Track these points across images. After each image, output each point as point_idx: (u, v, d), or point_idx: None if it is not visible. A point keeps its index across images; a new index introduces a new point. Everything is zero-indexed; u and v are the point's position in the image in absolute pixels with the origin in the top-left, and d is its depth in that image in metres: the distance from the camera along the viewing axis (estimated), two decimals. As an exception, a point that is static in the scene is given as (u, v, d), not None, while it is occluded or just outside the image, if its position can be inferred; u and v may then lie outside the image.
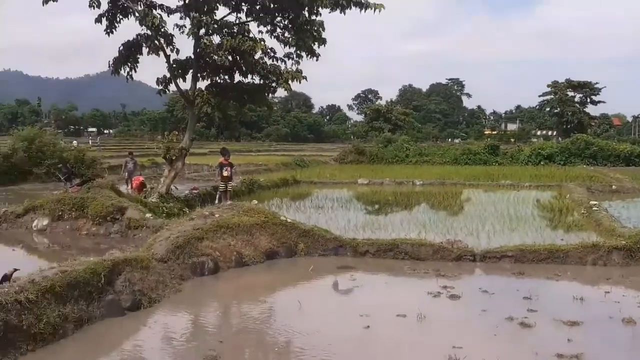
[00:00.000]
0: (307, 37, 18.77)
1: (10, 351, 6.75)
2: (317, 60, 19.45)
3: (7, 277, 7.40)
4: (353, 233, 14.47)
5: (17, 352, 6.82)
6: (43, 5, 17.95)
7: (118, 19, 18.80)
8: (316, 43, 19.11)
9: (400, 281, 11.18)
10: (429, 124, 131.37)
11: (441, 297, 9.62)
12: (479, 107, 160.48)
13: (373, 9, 18.28)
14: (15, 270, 7.54)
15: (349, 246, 12.86)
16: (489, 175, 34.24)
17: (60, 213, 15.35)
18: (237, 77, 20.08)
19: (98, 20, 18.65)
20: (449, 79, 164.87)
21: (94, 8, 18.26)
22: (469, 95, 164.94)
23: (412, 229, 14.22)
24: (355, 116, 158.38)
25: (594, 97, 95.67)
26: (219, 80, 20.32)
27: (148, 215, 15.27)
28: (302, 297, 9.41)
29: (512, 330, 8.00)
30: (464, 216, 18.68)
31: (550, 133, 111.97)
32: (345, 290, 10.41)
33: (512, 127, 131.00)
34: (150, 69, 22.04)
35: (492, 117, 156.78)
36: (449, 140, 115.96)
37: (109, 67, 19.69)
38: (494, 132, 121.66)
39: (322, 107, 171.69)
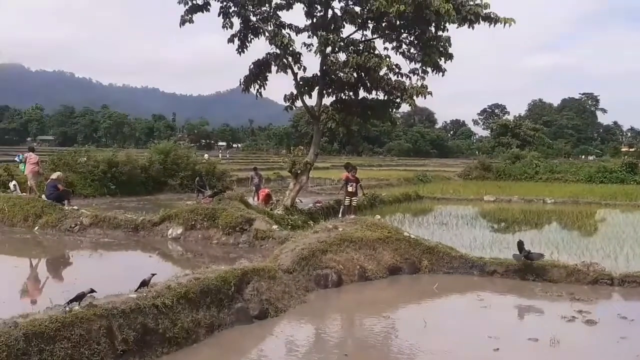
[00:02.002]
0: (433, 53, 18.57)
1: (146, 353, 7.08)
2: (443, 75, 19.22)
3: (145, 283, 7.75)
4: (479, 251, 14.08)
5: (153, 355, 7.14)
6: (180, 27, 19.09)
7: (249, 39, 19.61)
8: (442, 58, 18.88)
9: (531, 303, 10.71)
10: (560, 140, 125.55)
11: (576, 322, 9.10)
12: (615, 122, 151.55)
13: (503, 23, 17.81)
14: (153, 275, 7.94)
15: (476, 265, 12.51)
16: (626, 195, 32.11)
17: (193, 222, 16.04)
18: (362, 93, 20.27)
19: (230, 40, 19.57)
20: (583, 94, 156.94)
21: (226, 29, 19.25)
22: (604, 111, 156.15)
23: (543, 250, 13.57)
24: (480, 131, 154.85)
25: None
26: (343, 97, 20.59)
27: (274, 227, 15.65)
28: (427, 315, 9.25)
29: (654, 362, 7.43)
30: (599, 237, 17.63)
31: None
32: (472, 310, 10.13)
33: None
34: (277, 86, 22.78)
35: (629, 134, 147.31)
36: (582, 157, 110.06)
37: (240, 84, 20.55)
38: (631, 149, 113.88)
39: (445, 122, 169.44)
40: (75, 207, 17.65)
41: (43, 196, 18.08)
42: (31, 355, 5.89)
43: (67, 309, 6.57)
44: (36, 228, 16.75)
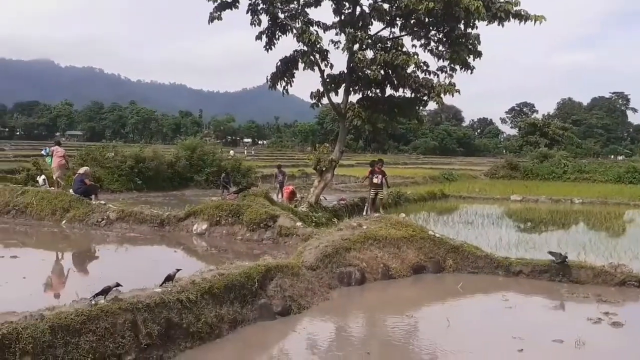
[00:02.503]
0: (462, 50, 18.39)
1: (170, 347, 7.16)
2: (471, 73, 19.01)
3: (170, 277, 7.82)
4: (505, 251, 13.94)
5: (176, 349, 7.21)
6: (209, 24, 19.20)
7: (277, 36, 19.66)
8: (471, 56, 18.69)
9: (557, 304, 10.59)
10: (589, 140, 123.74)
11: (602, 324, 8.97)
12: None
13: (533, 20, 17.57)
14: (178, 270, 8.00)
15: (502, 265, 12.38)
16: (657, 196, 31.53)
17: (218, 218, 16.12)
18: (389, 91, 20.14)
19: (258, 37, 19.65)
20: (613, 93, 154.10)
21: (255, 26, 19.34)
22: (634, 110, 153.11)
23: (570, 250, 13.41)
24: (508, 130, 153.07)
25: None
26: (370, 94, 20.52)
27: (298, 223, 15.66)
28: (451, 314, 9.19)
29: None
30: (627, 238, 17.35)
31: None
32: (497, 311, 10.03)
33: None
34: (303, 83, 22.80)
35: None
36: (612, 157, 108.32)
37: (267, 81, 20.59)
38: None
39: (473, 120, 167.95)
40: (103, 202, 17.86)
41: (70, 190, 18.30)
42: (57, 347, 5.97)
43: (93, 302, 6.65)
44: (64, 222, 16.98)
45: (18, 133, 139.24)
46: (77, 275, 11.51)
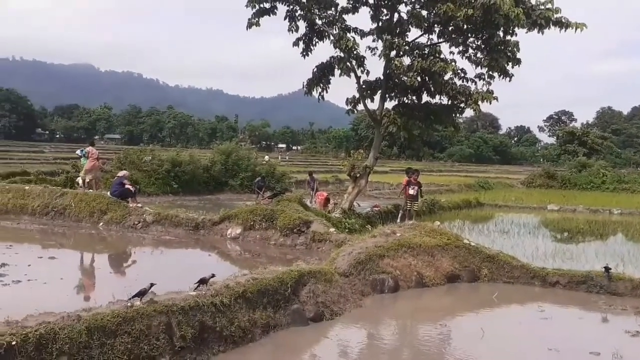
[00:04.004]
0: (501, 58, 18.20)
1: (203, 351, 7.19)
2: (510, 80, 18.81)
3: (204, 281, 7.87)
4: (541, 262, 13.72)
5: (209, 352, 7.24)
6: (247, 30, 19.38)
7: (314, 42, 19.75)
8: (510, 63, 18.48)
9: (594, 316, 10.39)
10: (629, 149, 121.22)
11: (641, 338, 8.75)
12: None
13: (574, 28, 17.32)
14: (213, 275, 8.05)
15: (538, 275, 12.18)
16: (698, 207, 30.69)
17: (252, 223, 16.19)
18: (425, 98, 20.09)
19: (296, 43, 19.74)
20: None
21: (292, 32, 19.43)
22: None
23: (608, 261, 13.12)
24: (546, 138, 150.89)
25: None
26: (406, 101, 20.46)
27: (331, 230, 15.64)
28: (485, 324, 9.07)
29: None
30: (668, 251, 16.88)
31: None
32: (532, 322, 9.86)
33: None
34: (339, 89, 22.78)
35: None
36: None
37: (303, 87, 20.66)
38: None
39: (509, 128, 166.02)
40: (140, 205, 18.09)
41: (108, 193, 18.56)
42: (92, 348, 6.05)
43: (129, 304, 6.73)
44: (101, 224, 17.25)
45: (58, 136, 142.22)
46: (113, 277, 11.68)
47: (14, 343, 5.47)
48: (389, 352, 8.11)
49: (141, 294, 6.90)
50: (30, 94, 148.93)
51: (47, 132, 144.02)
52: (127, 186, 18.31)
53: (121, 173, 19.46)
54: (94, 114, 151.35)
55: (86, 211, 17.72)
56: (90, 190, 19.31)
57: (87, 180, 19.77)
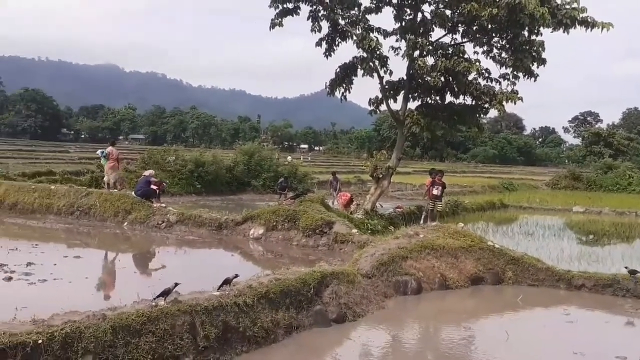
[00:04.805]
0: (526, 58, 18.02)
1: (227, 351, 7.21)
2: (535, 81, 18.63)
3: (228, 281, 7.89)
4: (567, 264, 13.56)
5: (232, 352, 7.26)
6: (270, 30, 19.42)
7: (337, 42, 19.72)
8: (535, 63, 18.28)
9: (620, 320, 10.25)
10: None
11: (669, 343, 8.60)
12: None
13: (600, 28, 17.09)
14: (236, 276, 8.07)
15: (563, 278, 12.03)
16: None
17: (274, 224, 16.22)
18: (449, 98, 19.97)
19: (318, 44, 19.76)
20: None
21: (315, 32, 19.45)
22: None
23: (634, 264, 12.90)
24: (571, 139, 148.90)
25: None
26: (429, 101, 20.34)
27: (354, 231, 15.60)
28: (509, 327, 8.98)
29: None
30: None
31: None
32: (557, 325, 9.73)
33: None
34: (361, 89, 22.73)
35: None
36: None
37: (325, 88, 20.65)
38: None
39: (534, 128, 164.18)
40: (163, 205, 18.21)
41: (132, 193, 18.71)
42: (117, 347, 6.10)
43: (153, 303, 6.77)
44: (125, 224, 17.41)
45: (83, 136, 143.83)
46: (137, 276, 11.76)
47: (40, 341, 5.54)
48: (412, 355, 8.06)
49: (165, 293, 6.94)
50: (56, 94, 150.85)
51: (72, 132, 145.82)
52: (152, 186, 18.44)
53: (147, 172, 19.61)
54: (119, 114, 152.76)
55: (111, 211, 17.90)
56: (115, 190, 19.48)
57: (112, 182, 19.95)
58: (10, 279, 9.84)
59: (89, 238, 16.25)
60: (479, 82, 19.00)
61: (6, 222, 17.32)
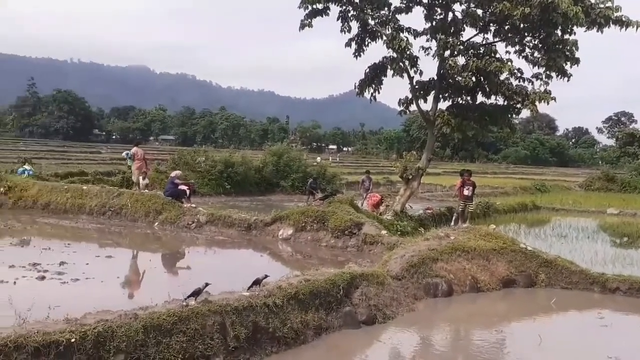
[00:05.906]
0: (559, 57, 17.73)
1: (256, 351, 7.22)
2: (568, 80, 18.33)
3: (258, 282, 7.90)
4: (601, 267, 13.33)
5: (262, 353, 7.26)
6: (299, 31, 19.40)
7: (366, 43, 19.63)
8: (568, 63, 17.98)
9: (657, 325, 9.99)
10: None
11: None
12: None
13: (635, 27, 16.76)
14: (266, 276, 8.07)
15: (597, 281, 11.81)
16: None
17: (303, 224, 16.21)
18: (480, 98, 19.71)
19: (348, 44, 19.67)
20: None
21: (344, 33, 19.37)
22: None
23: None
24: (605, 140, 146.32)
25: None
26: (460, 101, 20.13)
27: (383, 232, 15.51)
28: (542, 331, 8.82)
29: None
30: None
31: None
32: (591, 328, 9.55)
33: None
34: (390, 90, 22.60)
35: None
36: None
37: (355, 88, 20.59)
38: None
39: (567, 129, 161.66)
40: (194, 205, 18.33)
41: (161, 193, 18.87)
42: (149, 346, 6.14)
43: (184, 303, 6.80)
44: (156, 224, 17.56)
45: (114, 137, 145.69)
46: (168, 276, 11.87)
47: (73, 340, 5.60)
48: (443, 358, 7.96)
49: (196, 293, 6.96)
50: (87, 95, 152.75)
51: (104, 133, 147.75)
52: (180, 187, 18.57)
53: (174, 173, 19.76)
54: (149, 115, 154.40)
55: (142, 211, 18.07)
56: (146, 191, 19.68)
57: (143, 183, 20.17)
58: (43, 278, 9.98)
59: (121, 238, 16.42)
60: (511, 82, 18.74)
61: (39, 222, 17.58)
